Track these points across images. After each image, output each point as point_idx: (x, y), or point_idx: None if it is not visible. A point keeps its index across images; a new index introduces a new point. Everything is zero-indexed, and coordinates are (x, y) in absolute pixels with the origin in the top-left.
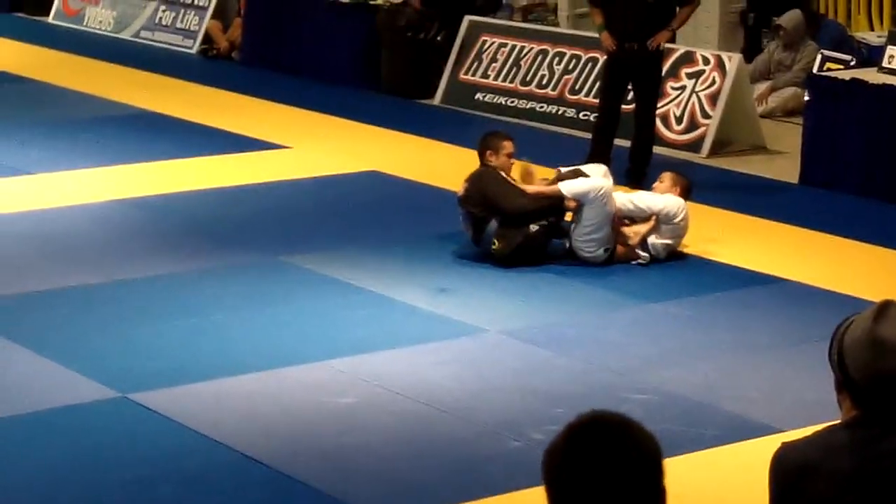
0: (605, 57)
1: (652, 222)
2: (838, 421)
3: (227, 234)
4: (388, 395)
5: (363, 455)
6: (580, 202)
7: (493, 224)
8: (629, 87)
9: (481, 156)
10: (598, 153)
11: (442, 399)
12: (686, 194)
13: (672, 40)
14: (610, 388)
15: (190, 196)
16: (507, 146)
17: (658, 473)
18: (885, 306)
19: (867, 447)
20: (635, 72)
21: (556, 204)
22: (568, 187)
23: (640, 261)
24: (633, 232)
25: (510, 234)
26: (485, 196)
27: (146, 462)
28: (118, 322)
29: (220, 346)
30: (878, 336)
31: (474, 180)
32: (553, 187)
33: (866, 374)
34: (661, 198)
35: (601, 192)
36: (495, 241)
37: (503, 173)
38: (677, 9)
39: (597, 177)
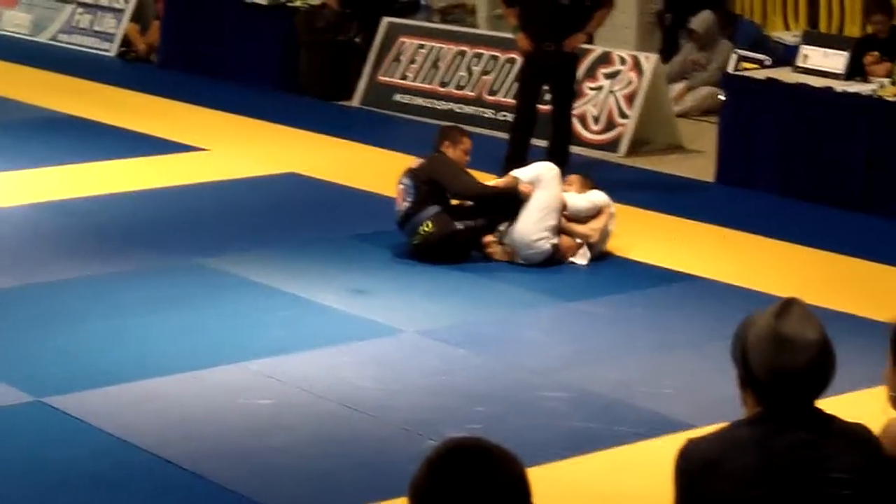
0: (521, 58)
1: (605, 216)
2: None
3: (144, 238)
4: (305, 396)
5: (281, 456)
6: (535, 185)
7: (430, 210)
8: (545, 87)
9: (438, 144)
10: (516, 154)
11: (359, 399)
12: None
13: (590, 41)
14: (527, 387)
15: (106, 199)
16: (466, 142)
17: (525, 496)
18: (787, 303)
19: (769, 443)
20: (551, 73)
21: (510, 195)
22: (522, 173)
23: (579, 260)
24: (591, 228)
25: (443, 222)
26: (438, 174)
27: (61, 466)
28: (33, 326)
29: (136, 349)
30: (781, 333)
31: (430, 159)
32: (507, 178)
33: (768, 371)
34: (598, 193)
35: (554, 171)
36: (427, 223)
37: None
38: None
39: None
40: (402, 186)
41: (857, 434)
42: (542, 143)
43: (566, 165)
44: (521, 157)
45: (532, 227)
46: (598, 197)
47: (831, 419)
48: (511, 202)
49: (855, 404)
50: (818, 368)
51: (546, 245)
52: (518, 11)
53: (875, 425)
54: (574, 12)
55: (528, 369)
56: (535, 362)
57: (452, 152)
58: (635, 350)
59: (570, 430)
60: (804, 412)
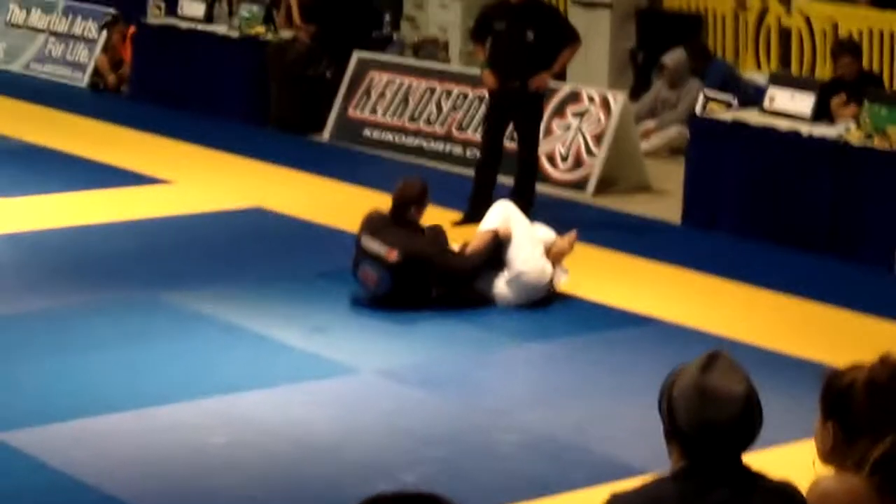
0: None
1: (567, 241)
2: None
3: (103, 271)
4: (259, 435)
5: (232, 496)
6: (508, 226)
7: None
8: (511, 125)
9: (402, 208)
10: (481, 192)
11: (312, 440)
12: None
13: (562, 76)
14: (481, 429)
15: (67, 232)
16: (428, 204)
17: None
18: (712, 357)
19: (693, 500)
20: (516, 111)
21: (495, 246)
22: (491, 222)
23: (563, 277)
24: (566, 241)
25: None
26: (427, 254)
27: (8, 502)
28: None
29: (89, 385)
30: (705, 386)
31: (407, 245)
32: (484, 235)
33: (693, 424)
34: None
35: (510, 204)
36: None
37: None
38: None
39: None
40: (372, 273)
41: (782, 492)
42: (509, 180)
43: (532, 205)
44: (486, 195)
45: (537, 261)
46: (548, 228)
47: (757, 476)
48: (497, 250)
49: (797, 456)
50: (743, 422)
51: (548, 269)
52: (485, 47)
53: (805, 482)
54: (540, 50)
55: (484, 411)
56: (490, 404)
57: (417, 216)
58: (592, 393)
59: (523, 474)
60: (730, 467)
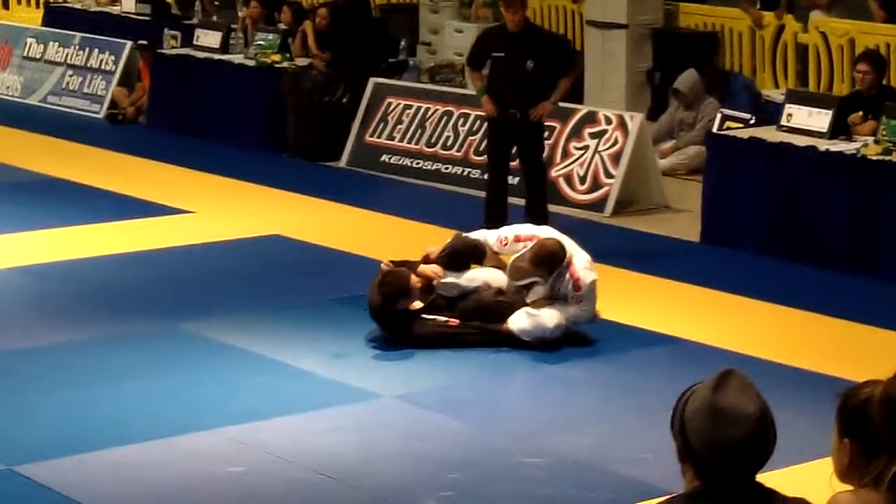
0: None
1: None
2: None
3: (127, 302)
4: (279, 462)
5: None
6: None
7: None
8: (514, 149)
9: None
10: (494, 213)
11: (333, 466)
12: None
13: (579, 98)
14: (503, 453)
15: (89, 263)
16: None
17: None
18: (724, 375)
19: None
20: (518, 137)
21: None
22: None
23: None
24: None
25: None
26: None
27: None
28: (9, 392)
29: (110, 416)
30: (718, 405)
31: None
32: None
33: (706, 444)
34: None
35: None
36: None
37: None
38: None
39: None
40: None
41: None
42: (518, 200)
43: (547, 221)
44: (499, 215)
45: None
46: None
47: (772, 494)
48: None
49: (815, 474)
50: (757, 442)
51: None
52: (483, 74)
53: (823, 500)
54: (539, 79)
55: (505, 434)
56: (511, 427)
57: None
58: (613, 414)
59: (545, 497)
60: (744, 486)
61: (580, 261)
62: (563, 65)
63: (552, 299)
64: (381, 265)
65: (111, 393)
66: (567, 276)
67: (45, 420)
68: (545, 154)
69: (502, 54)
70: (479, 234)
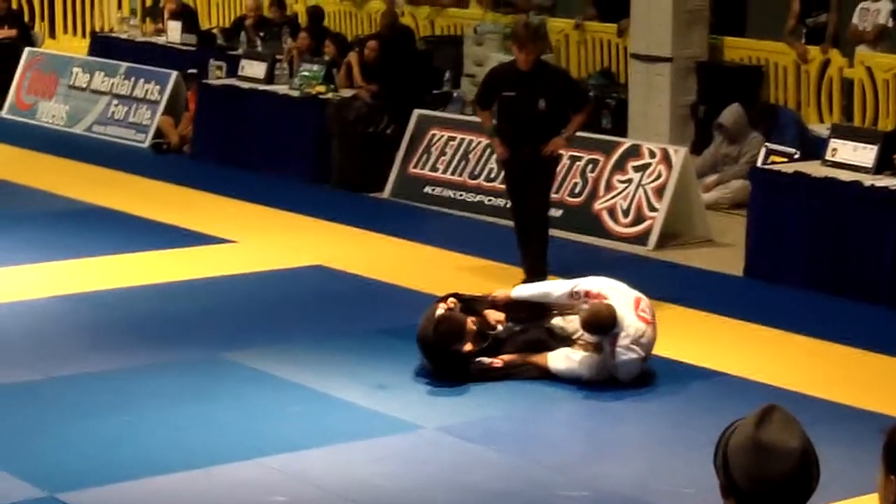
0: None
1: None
2: None
3: (169, 331)
4: (319, 493)
5: None
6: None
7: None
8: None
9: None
10: (524, 251)
11: (374, 497)
12: None
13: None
14: (544, 485)
15: (133, 291)
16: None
17: None
18: (767, 410)
19: None
20: (529, 172)
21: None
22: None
23: None
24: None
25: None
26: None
27: None
28: (51, 420)
29: (151, 445)
30: (761, 441)
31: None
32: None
33: (750, 480)
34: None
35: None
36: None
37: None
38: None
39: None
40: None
41: None
42: (559, 233)
43: (545, 278)
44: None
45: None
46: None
47: None
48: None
49: None
50: (800, 477)
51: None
52: (492, 114)
53: None
54: (551, 118)
55: (546, 466)
56: (552, 459)
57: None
58: (656, 448)
59: None
60: None
61: (625, 339)
62: (577, 101)
63: (598, 348)
64: (441, 304)
65: (151, 421)
66: (607, 346)
67: (87, 447)
68: (587, 188)
69: (513, 93)
70: (553, 285)
